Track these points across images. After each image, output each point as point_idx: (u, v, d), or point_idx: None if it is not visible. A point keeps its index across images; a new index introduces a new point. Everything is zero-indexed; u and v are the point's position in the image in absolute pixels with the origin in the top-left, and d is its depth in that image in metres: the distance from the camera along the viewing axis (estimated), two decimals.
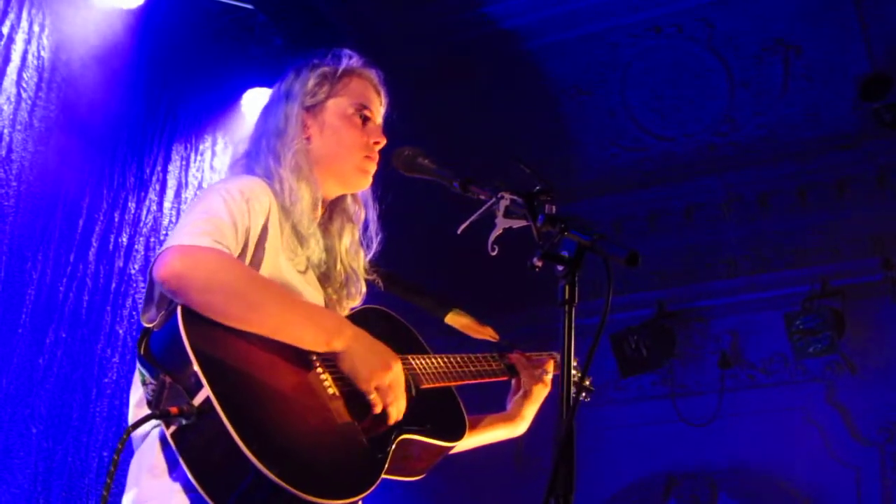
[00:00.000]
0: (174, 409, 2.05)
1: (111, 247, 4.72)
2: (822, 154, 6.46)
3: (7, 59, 4.31)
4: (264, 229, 2.40)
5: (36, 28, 4.46)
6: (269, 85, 5.27)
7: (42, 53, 4.48)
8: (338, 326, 2.33)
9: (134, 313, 4.70)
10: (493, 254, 2.20)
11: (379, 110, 2.72)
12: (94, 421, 4.45)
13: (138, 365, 2.23)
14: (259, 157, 2.58)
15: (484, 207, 2.28)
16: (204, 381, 2.05)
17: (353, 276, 2.64)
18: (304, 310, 2.35)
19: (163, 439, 2.17)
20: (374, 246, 2.72)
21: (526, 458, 6.74)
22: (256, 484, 2.01)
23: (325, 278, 2.61)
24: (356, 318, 2.53)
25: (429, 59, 6.08)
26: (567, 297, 1.97)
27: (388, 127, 2.75)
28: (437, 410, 2.56)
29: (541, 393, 2.91)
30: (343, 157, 2.61)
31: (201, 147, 5.33)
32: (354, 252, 2.67)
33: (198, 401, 2.05)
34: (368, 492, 2.19)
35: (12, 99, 4.30)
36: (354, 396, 2.31)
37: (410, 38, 5.98)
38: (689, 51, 6.13)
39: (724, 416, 6.61)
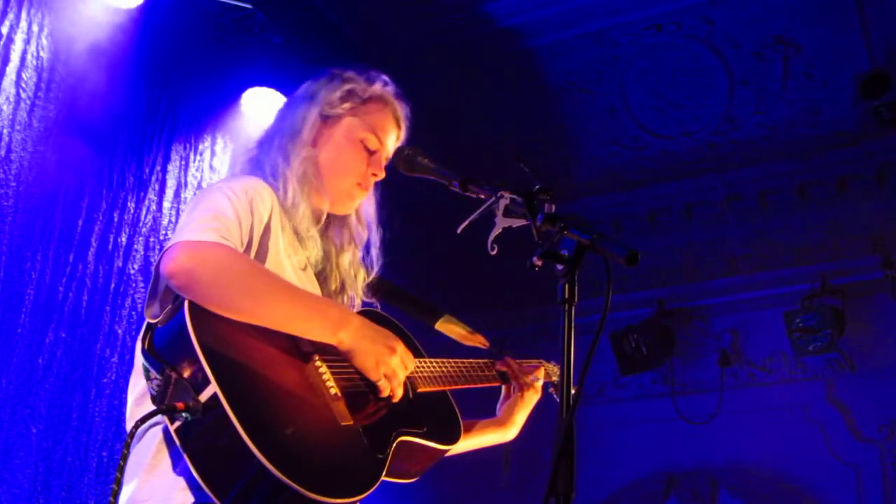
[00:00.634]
0: (180, 405, 2.05)
1: (110, 247, 4.72)
2: (821, 152, 6.46)
3: (6, 60, 4.31)
4: (266, 228, 2.42)
5: (35, 28, 4.46)
6: (268, 84, 5.28)
7: (41, 53, 4.48)
8: (342, 316, 2.35)
9: (133, 313, 4.70)
10: (493, 253, 2.20)
11: (392, 143, 2.71)
12: (94, 421, 4.45)
13: (142, 360, 2.23)
14: (270, 153, 2.60)
15: (483, 206, 2.28)
16: (211, 377, 2.05)
17: (349, 290, 2.66)
18: (310, 301, 2.37)
19: (165, 435, 2.17)
20: (374, 270, 2.73)
21: (523, 459, 6.73)
22: (261, 481, 2.01)
23: (322, 278, 2.63)
24: None
25: (429, 58, 6.08)
26: (567, 295, 1.97)
27: None
28: (434, 413, 2.57)
29: (531, 399, 2.94)
30: (336, 177, 2.61)
31: (201, 147, 5.33)
32: (354, 272, 2.68)
33: (204, 397, 2.05)
34: (369, 492, 2.20)
35: (11, 99, 4.30)
36: (355, 397, 2.32)
37: (410, 37, 5.98)
38: (689, 49, 6.13)
39: (724, 415, 6.61)
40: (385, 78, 2.73)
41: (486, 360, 2.89)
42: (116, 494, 2.00)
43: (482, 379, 2.84)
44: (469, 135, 6.31)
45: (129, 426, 2.22)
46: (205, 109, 5.34)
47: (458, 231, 2.33)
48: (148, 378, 2.19)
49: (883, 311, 6.40)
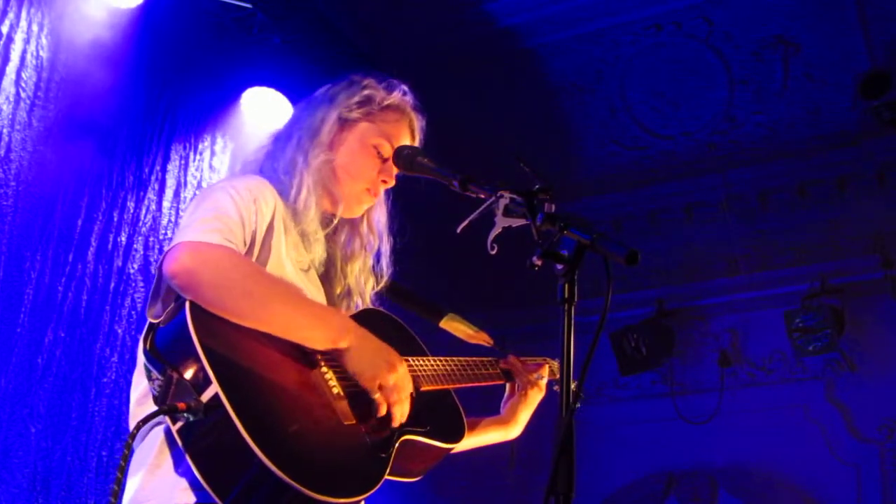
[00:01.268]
0: (182, 405, 2.05)
1: (110, 246, 4.72)
2: (821, 152, 6.46)
3: (6, 59, 4.31)
4: (269, 228, 2.42)
5: (35, 27, 4.46)
6: (268, 84, 5.28)
7: (41, 53, 4.48)
8: (345, 326, 2.34)
9: (133, 313, 4.70)
10: (493, 253, 2.19)
11: None
12: (93, 420, 4.45)
13: (144, 360, 2.23)
14: (286, 150, 2.61)
15: (483, 206, 2.27)
16: (212, 377, 2.05)
17: (356, 296, 2.66)
18: (311, 309, 2.36)
19: (167, 436, 2.17)
20: (384, 280, 2.73)
21: (527, 457, 6.73)
22: (263, 481, 2.02)
23: (326, 279, 2.63)
24: (357, 319, 2.53)
25: (428, 58, 6.07)
26: (566, 295, 1.97)
27: None
28: (437, 412, 2.57)
29: (535, 397, 2.93)
30: (347, 181, 2.61)
31: (200, 146, 5.33)
32: (364, 280, 2.68)
33: (206, 397, 2.05)
34: (372, 491, 2.20)
35: (11, 98, 4.30)
36: (358, 396, 2.31)
37: (409, 37, 5.98)
38: (688, 49, 6.13)
39: (724, 415, 6.61)
40: (404, 88, 2.73)
41: (489, 358, 2.89)
42: (117, 495, 2.00)
43: (486, 377, 2.84)
44: (469, 134, 6.30)
45: (131, 426, 2.22)
46: (205, 109, 5.34)
47: (458, 231, 2.32)
48: (150, 378, 2.20)
49: (883, 311, 6.40)
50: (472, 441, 2.79)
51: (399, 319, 2.67)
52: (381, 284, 2.73)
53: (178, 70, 5.19)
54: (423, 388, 2.52)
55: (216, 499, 2.04)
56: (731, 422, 6.59)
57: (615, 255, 1.95)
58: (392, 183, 2.67)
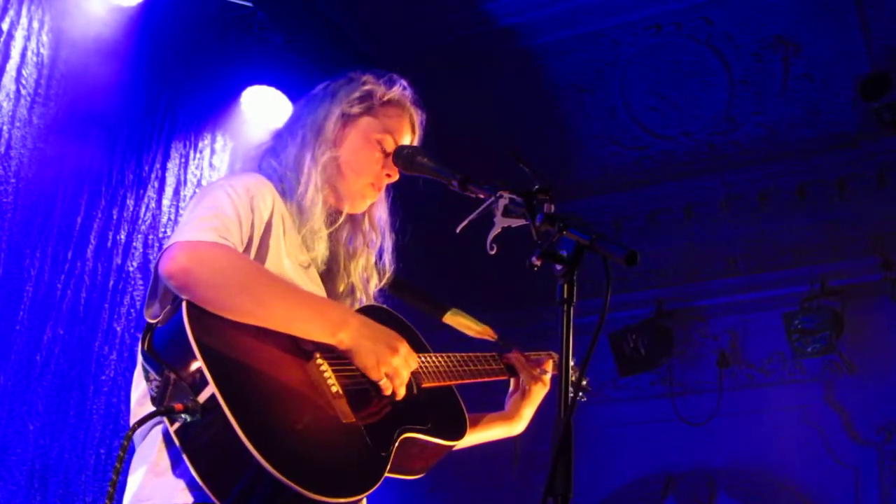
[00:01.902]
0: (179, 406, 2.05)
1: (109, 244, 4.72)
2: (821, 153, 6.45)
3: (6, 56, 4.31)
4: (267, 226, 2.42)
5: (35, 25, 4.46)
6: (268, 83, 5.28)
7: (41, 50, 4.47)
8: (343, 317, 2.35)
9: (132, 311, 4.70)
10: (492, 253, 2.19)
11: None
12: (92, 418, 4.45)
13: (142, 361, 2.23)
14: (290, 146, 2.60)
15: (483, 206, 2.27)
16: (209, 377, 2.05)
17: (359, 293, 2.66)
18: (310, 302, 2.37)
19: (165, 436, 2.17)
20: (387, 276, 2.73)
21: (527, 457, 6.73)
22: (260, 481, 2.01)
23: (328, 277, 2.62)
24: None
25: (428, 58, 6.07)
26: (566, 296, 1.97)
27: None
28: (439, 409, 2.56)
29: (539, 392, 2.93)
30: (351, 176, 2.61)
31: (200, 145, 5.32)
32: (367, 277, 2.68)
33: (202, 398, 2.05)
34: (372, 490, 2.19)
35: (11, 95, 4.30)
36: (357, 394, 2.31)
37: (410, 36, 5.98)
38: (688, 49, 6.12)
39: (723, 416, 6.60)
40: (404, 83, 2.74)
41: (493, 354, 2.88)
42: (112, 497, 2.00)
43: (489, 373, 2.84)
44: (468, 134, 6.30)
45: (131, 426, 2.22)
46: (205, 107, 5.33)
47: (458, 231, 2.32)
48: (147, 379, 2.19)
49: (882, 313, 6.40)
50: (475, 437, 2.79)
51: (399, 315, 2.67)
52: (384, 281, 2.73)
53: (179, 68, 5.18)
54: (424, 385, 2.52)
55: (214, 499, 2.04)
56: (730, 423, 6.58)
57: (614, 256, 1.95)
58: (396, 177, 2.67)
